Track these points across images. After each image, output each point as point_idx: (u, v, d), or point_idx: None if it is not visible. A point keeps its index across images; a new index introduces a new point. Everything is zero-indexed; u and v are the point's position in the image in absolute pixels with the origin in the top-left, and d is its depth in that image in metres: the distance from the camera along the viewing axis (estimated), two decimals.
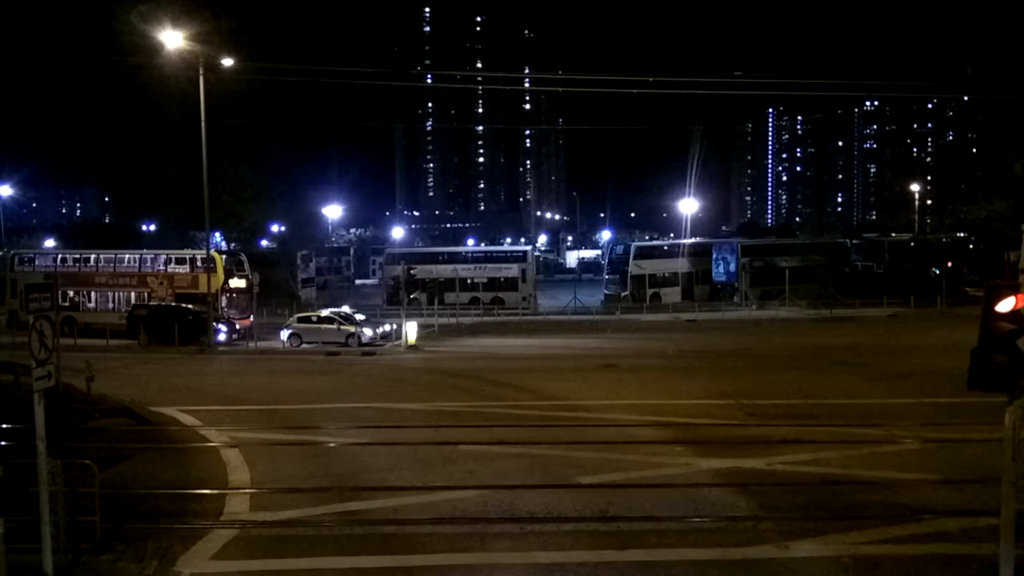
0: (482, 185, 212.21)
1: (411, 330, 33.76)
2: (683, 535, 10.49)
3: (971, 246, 59.60)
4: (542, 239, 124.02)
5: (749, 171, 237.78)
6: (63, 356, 17.00)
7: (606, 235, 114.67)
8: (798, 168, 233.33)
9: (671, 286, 53.55)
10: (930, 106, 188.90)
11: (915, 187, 75.92)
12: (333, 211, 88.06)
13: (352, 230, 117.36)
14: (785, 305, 47.14)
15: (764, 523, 10.81)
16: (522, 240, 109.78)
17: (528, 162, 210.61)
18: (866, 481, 12.66)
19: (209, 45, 32.57)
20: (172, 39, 31.26)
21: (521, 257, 55.38)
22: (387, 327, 36.19)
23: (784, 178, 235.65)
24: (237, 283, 38.81)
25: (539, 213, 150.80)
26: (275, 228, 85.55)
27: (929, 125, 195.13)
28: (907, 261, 54.78)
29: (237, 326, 36.42)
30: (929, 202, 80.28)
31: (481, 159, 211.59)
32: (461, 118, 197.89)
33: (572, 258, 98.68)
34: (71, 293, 38.81)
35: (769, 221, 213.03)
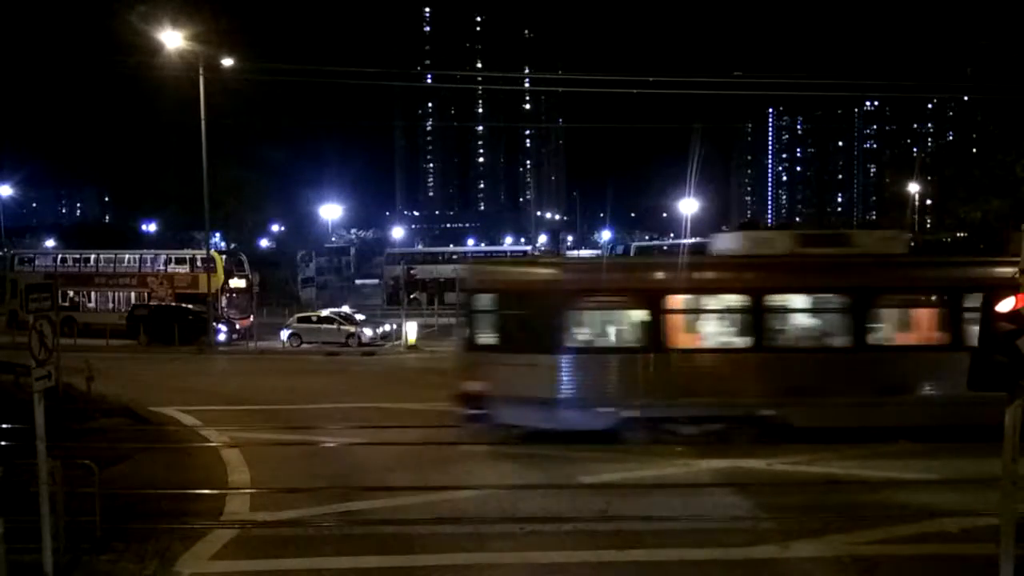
0: (482, 185, 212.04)
1: (411, 330, 33.77)
2: (683, 535, 10.48)
3: (971, 246, 59.50)
4: (542, 239, 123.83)
5: (749, 171, 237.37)
6: (63, 356, 16.97)
7: (606, 235, 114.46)
8: (798, 168, 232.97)
9: None
10: (930, 106, 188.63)
11: (915, 187, 75.82)
12: (333, 211, 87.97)
13: (352, 230, 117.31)
14: None
15: (764, 523, 10.82)
16: (522, 240, 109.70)
17: (528, 162, 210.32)
18: (866, 481, 12.67)
19: (209, 45, 32.64)
20: (172, 39, 31.34)
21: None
22: (387, 327, 36.18)
23: (784, 178, 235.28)
24: (237, 283, 38.86)
25: (539, 213, 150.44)
26: (275, 228, 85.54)
27: (929, 125, 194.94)
28: None
29: (237, 326, 36.47)
30: (929, 202, 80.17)
31: (481, 159, 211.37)
32: (461, 118, 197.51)
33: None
34: (71, 293, 38.81)
35: (769, 221, 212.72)
